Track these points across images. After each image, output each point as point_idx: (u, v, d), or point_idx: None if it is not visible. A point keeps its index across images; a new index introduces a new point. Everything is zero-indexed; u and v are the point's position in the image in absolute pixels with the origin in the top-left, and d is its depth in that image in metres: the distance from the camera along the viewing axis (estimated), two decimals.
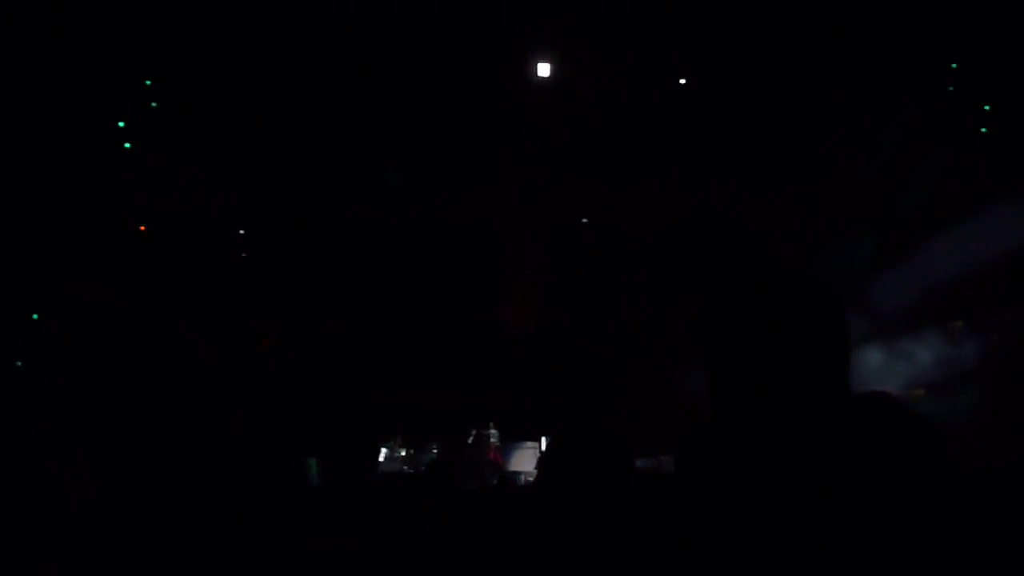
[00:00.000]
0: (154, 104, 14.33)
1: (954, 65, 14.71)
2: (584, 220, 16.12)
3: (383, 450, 15.69)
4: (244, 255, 15.97)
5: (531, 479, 13.36)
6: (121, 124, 14.34)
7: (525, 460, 15.61)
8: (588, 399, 14.45)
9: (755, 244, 15.07)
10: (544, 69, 13.78)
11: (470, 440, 15.84)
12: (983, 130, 14.85)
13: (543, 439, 15.41)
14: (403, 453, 15.61)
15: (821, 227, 15.68)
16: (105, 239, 14.14)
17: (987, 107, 14.79)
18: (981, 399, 13.56)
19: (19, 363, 14.41)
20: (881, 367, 14.63)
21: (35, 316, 14.35)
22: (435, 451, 15.59)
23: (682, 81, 14.28)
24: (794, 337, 1.87)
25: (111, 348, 14.41)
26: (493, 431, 15.75)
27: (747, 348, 1.89)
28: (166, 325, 14.81)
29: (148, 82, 14.23)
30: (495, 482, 14.13)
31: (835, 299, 1.92)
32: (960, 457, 2.78)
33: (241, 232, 15.92)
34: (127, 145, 14.37)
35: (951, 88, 14.87)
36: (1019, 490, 2.57)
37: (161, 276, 14.43)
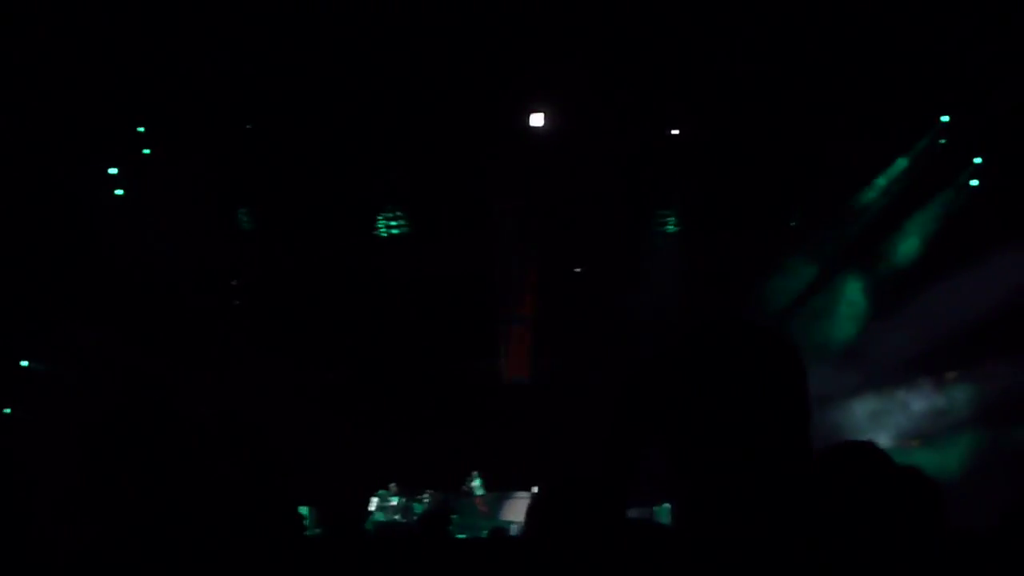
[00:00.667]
0: (147, 151, 14.41)
1: (945, 118, 14.82)
2: (577, 269, 16.15)
3: (374, 499, 15.59)
4: (238, 303, 15.97)
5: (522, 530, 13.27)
6: (113, 171, 14.41)
7: (517, 510, 15.52)
8: (580, 448, 14.38)
9: (742, 293, 15.13)
10: (538, 119, 13.87)
11: (464, 488, 15.77)
12: (973, 183, 14.94)
13: (534, 488, 15.31)
14: (395, 502, 15.51)
15: (815, 276, 15.76)
16: (100, 283, 14.14)
17: (978, 159, 14.88)
18: (976, 450, 13.55)
19: (7, 410, 14.36)
20: (875, 417, 14.63)
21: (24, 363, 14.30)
22: (427, 500, 15.51)
23: (674, 132, 14.36)
24: (750, 388, 1.86)
25: (105, 392, 14.38)
26: (476, 481, 15.69)
27: (701, 400, 1.89)
28: (161, 372, 14.82)
29: (141, 128, 14.31)
30: (485, 533, 14.04)
31: (792, 349, 1.91)
32: (957, 509, 2.78)
33: (234, 283, 15.92)
34: (118, 192, 14.43)
35: (943, 141, 14.99)
36: (1014, 545, 2.57)
37: (156, 323, 14.41)
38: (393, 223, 15.15)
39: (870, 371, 14.62)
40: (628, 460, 2.02)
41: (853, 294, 15.74)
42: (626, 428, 2.01)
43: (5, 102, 12.36)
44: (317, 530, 13.90)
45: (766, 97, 13.50)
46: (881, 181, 15.45)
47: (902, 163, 15.33)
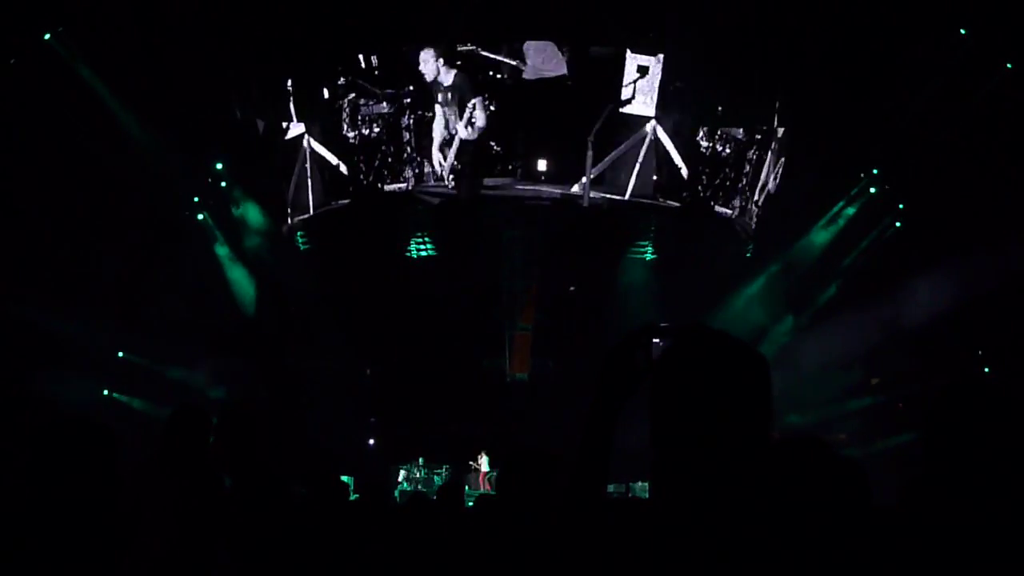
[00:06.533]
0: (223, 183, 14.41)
1: (876, 171, 14.72)
2: (572, 288, 16.15)
3: (402, 471, 15.62)
4: (293, 310, 15.96)
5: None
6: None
7: None
8: (569, 432, 14.27)
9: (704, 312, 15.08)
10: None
11: (473, 465, 15.78)
12: (898, 224, 14.78)
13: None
14: (419, 474, 15.57)
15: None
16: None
17: (901, 206, 14.75)
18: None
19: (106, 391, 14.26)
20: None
21: None
22: (445, 473, 15.58)
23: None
24: (727, 387, 1.87)
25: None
26: (484, 459, 15.65)
27: (685, 396, 1.89)
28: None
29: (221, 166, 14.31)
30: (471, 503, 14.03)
31: (762, 358, 1.92)
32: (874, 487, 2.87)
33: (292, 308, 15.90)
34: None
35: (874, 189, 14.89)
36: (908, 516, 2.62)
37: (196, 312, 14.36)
38: (423, 247, 15.18)
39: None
40: (606, 431, 2.02)
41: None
42: (604, 398, 2.01)
43: None
44: (356, 495, 13.89)
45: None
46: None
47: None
